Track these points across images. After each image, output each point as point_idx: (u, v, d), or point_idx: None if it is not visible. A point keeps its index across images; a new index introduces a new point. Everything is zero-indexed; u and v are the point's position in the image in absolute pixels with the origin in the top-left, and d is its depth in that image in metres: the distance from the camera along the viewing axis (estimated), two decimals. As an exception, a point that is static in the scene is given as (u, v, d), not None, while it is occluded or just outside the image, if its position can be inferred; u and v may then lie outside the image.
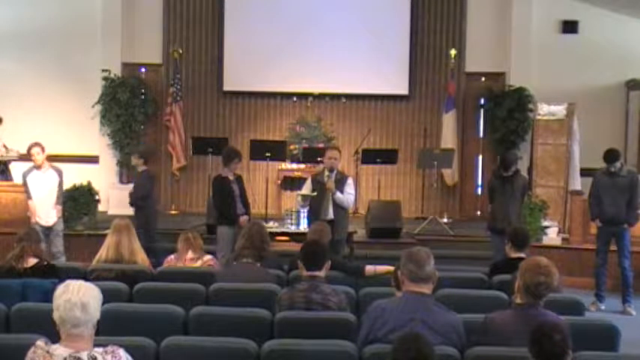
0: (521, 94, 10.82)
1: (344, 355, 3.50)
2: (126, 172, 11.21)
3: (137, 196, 8.29)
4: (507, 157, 7.68)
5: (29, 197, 7.95)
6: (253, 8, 11.45)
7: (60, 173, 8.07)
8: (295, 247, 7.31)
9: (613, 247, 7.67)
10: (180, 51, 11.33)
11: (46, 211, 7.94)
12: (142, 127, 11.28)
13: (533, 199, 9.17)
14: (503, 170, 7.46)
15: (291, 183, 10.96)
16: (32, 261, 4.97)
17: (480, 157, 11.50)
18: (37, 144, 7.88)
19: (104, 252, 5.41)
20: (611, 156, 7.51)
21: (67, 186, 9.03)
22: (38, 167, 7.95)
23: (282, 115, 11.57)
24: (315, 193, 7.11)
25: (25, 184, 7.98)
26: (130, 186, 8.79)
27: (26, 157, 8.15)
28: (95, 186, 9.55)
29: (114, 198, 10.67)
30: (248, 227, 5.44)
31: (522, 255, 5.21)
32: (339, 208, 7.14)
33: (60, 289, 2.85)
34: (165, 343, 3.54)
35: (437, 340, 3.39)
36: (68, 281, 2.89)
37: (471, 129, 11.51)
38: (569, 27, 11.17)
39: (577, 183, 9.87)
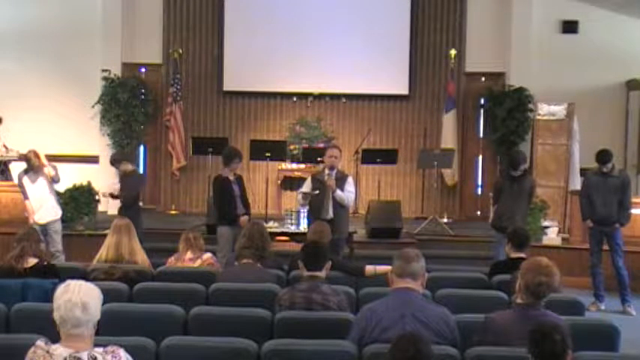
0: (521, 94, 10.81)
1: (344, 355, 3.50)
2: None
3: (130, 195, 7.99)
4: (516, 156, 7.57)
5: (26, 197, 7.91)
6: (253, 8, 11.45)
7: (54, 167, 7.99)
8: (295, 247, 7.32)
9: (607, 247, 7.67)
10: (180, 51, 11.32)
11: (44, 210, 7.91)
12: (142, 127, 11.26)
13: (533, 199, 9.15)
14: (512, 170, 7.42)
15: (291, 183, 10.95)
16: (32, 261, 4.98)
17: (480, 157, 11.50)
18: (34, 154, 7.78)
19: (104, 252, 5.42)
20: (603, 156, 7.50)
21: (67, 186, 9.04)
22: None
23: (282, 115, 11.56)
24: (317, 192, 7.11)
25: (20, 185, 7.93)
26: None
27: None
28: (95, 186, 9.54)
29: (114, 198, 10.67)
30: (248, 227, 5.44)
31: (522, 255, 5.21)
32: (339, 207, 7.13)
33: (60, 289, 2.85)
34: (166, 343, 3.54)
35: (429, 334, 3.40)
36: (68, 281, 2.89)
37: (470, 129, 11.51)
38: (569, 27, 11.16)
39: (577, 183, 9.84)
